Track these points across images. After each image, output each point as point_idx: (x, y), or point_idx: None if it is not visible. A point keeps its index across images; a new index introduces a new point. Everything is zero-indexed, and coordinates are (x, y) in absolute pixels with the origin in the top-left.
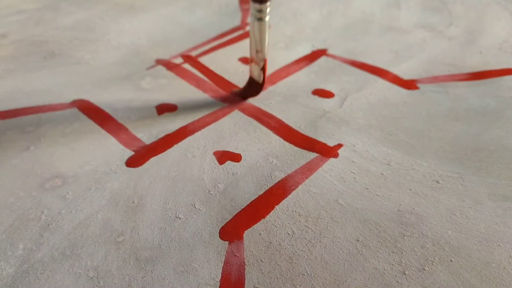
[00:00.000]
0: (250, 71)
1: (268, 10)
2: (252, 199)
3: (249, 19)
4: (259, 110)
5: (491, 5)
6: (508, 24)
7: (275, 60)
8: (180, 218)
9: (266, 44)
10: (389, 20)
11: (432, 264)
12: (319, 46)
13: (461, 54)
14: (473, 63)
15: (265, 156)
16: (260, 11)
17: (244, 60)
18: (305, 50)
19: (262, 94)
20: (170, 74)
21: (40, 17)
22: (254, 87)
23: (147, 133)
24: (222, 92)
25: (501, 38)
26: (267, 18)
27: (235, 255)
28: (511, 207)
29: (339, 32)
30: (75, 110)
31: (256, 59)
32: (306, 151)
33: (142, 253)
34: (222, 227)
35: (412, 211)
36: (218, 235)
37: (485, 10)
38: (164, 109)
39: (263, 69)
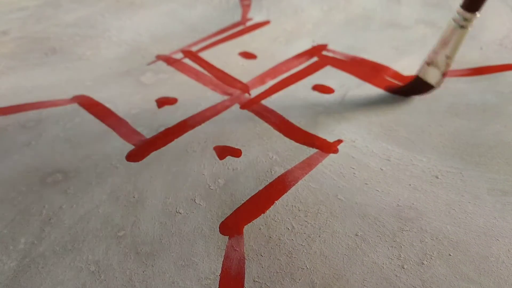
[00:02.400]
0: (424, 72)
1: (474, 20)
2: (252, 194)
3: (450, 23)
4: (259, 105)
5: (492, 0)
6: (509, 20)
7: (275, 55)
8: (180, 213)
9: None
10: (389, 16)
11: (431, 258)
12: (319, 41)
13: (461, 50)
14: (474, 58)
15: (265, 151)
16: (466, 19)
17: (245, 55)
18: (305, 45)
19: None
20: (170, 69)
21: (41, 14)
22: (423, 88)
23: (148, 127)
24: (222, 86)
25: (501, 33)
26: (470, 28)
27: (235, 250)
28: (510, 202)
29: (339, 27)
30: (75, 106)
31: (439, 62)
32: (306, 146)
33: (142, 248)
34: (222, 222)
35: (411, 206)
36: (218, 229)
37: (486, 6)
38: (164, 102)
39: (444, 74)
